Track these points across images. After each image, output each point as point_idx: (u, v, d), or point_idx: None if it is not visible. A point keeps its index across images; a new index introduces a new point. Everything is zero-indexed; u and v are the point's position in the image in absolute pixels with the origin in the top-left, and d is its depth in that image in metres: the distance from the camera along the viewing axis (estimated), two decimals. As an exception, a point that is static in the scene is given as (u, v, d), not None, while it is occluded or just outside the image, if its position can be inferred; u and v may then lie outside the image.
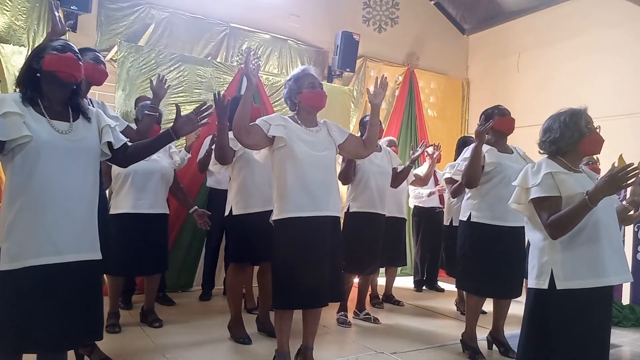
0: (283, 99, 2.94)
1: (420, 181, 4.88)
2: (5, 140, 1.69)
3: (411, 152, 4.28)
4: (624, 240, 4.40)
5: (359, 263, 3.75)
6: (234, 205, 3.27)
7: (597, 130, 2.15)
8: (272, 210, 2.74)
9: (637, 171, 1.84)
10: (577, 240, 2.02)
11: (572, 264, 2.02)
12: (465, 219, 3.26)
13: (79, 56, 1.86)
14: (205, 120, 2.09)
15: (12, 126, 1.69)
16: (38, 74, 1.78)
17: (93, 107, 2.67)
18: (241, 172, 3.25)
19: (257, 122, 2.65)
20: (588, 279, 2.00)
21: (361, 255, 3.73)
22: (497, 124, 3.20)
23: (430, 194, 5.17)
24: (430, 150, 5.49)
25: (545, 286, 2.06)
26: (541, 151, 2.24)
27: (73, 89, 1.87)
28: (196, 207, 3.61)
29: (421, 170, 5.34)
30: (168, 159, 3.61)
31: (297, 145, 2.61)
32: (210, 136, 4.48)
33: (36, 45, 4.34)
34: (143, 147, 2.09)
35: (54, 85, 1.81)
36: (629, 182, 1.84)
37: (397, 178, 4.07)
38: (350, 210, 3.79)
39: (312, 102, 2.73)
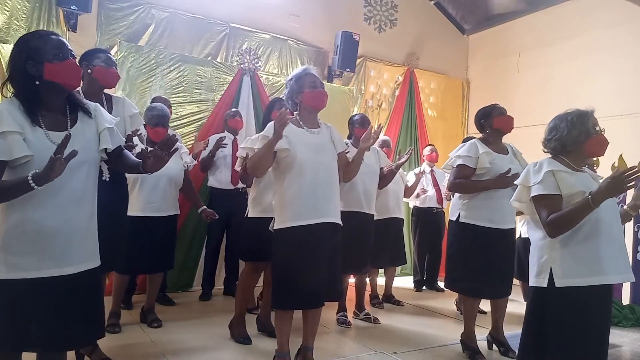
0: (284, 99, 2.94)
1: (407, 192, 4.93)
2: (7, 160, 1.64)
3: (398, 157, 4.26)
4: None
5: (350, 263, 3.72)
6: (250, 209, 3.34)
7: (602, 132, 2.15)
8: None
9: (639, 174, 1.85)
10: (576, 238, 2.03)
11: (571, 262, 2.03)
12: (454, 218, 3.27)
13: (73, 54, 1.80)
14: (174, 147, 1.89)
15: (13, 145, 1.63)
16: (37, 82, 1.70)
17: (112, 107, 2.65)
18: (259, 180, 3.29)
19: (258, 144, 2.67)
20: (586, 276, 2.01)
21: (351, 255, 3.69)
22: (497, 123, 3.20)
23: (417, 195, 5.18)
24: (427, 150, 5.52)
25: (545, 284, 2.07)
26: (545, 150, 2.25)
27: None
28: (204, 206, 3.73)
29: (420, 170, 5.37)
30: (177, 160, 3.62)
31: (301, 152, 2.61)
32: (213, 136, 4.50)
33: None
34: (130, 165, 2.02)
35: (54, 93, 1.75)
36: (630, 184, 1.86)
37: (382, 181, 4.05)
38: None
39: (313, 102, 2.73)
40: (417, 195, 5.23)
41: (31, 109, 1.70)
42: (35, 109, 1.71)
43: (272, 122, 2.74)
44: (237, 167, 3.43)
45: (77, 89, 2.50)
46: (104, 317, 1.99)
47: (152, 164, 1.88)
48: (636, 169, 1.86)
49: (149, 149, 1.95)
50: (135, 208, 3.37)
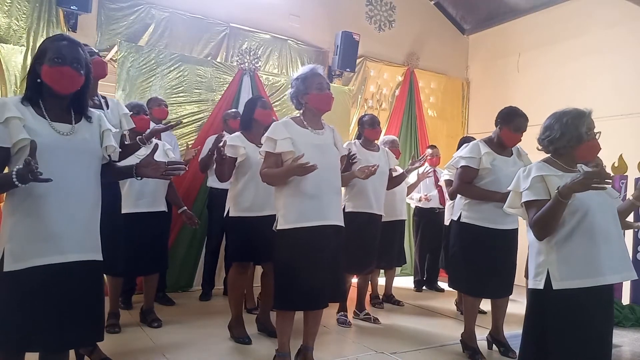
0: (284, 99, 2.95)
1: (408, 190, 4.94)
2: (8, 146, 1.71)
3: (410, 162, 4.27)
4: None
5: (355, 263, 3.73)
6: (231, 207, 3.30)
7: (597, 136, 2.14)
8: (268, 215, 2.74)
9: (609, 181, 1.85)
10: (572, 240, 2.02)
11: (567, 264, 2.03)
12: (456, 218, 3.28)
13: (80, 62, 1.82)
14: (172, 174, 2.08)
15: (13, 131, 1.71)
16: (39, 80, 1.80)
17: (107, 106, 2.71)
18: (241, 178, 3.26)
19: (264, 146, 2.65)
20: (584, 278, 2.00)
21: (358, 255, 3.71)
22: (504, 134, 3.17)
23: (419, 200, 5.25)
24: (428, 151, 5.52)
25: (541, 286, 2.07)
26: (539, 147, 2.25)
27: (76, 91, 1.85)
28: (185, 207, 3.70)
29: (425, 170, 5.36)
30: (164, 157, 3.62)
31: (305, 154, 2.56)
32: (212, 137, 4.49)
33: (37, 45, 4.37)
34: (119, 171, 2.11)
35: (52, 94, 1.82)
36: (598, 186, 1.84)
37: (390, 183, 4.06)
38: (346, 210, 3.76)
39: (319, 105, 2.72)
40: (420, 200, 5.26)
41: (32, 99, 1.79)
42: (36, 100, 1.79)
43: (277, 123, 2.72)
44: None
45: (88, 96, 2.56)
46: (104, 320, 1.99)
47: (146, 166, 2.01)
48: (609, 176, 1.85)
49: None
50: (126, 205, 3.31)
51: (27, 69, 1.90)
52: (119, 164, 2.14)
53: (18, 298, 1.71)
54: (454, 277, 3.36)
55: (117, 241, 2.73)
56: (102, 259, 1.92)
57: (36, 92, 1.80)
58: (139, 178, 2.06)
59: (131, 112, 3.41)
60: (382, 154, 3.96)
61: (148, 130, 3.08)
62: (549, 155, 2.21)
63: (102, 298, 1.96)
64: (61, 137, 1.77)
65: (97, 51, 2.80)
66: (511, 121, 3.16)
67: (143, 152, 3.38)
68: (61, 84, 1.79)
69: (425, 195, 5.24)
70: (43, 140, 1.70)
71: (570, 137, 2.10)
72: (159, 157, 3.51)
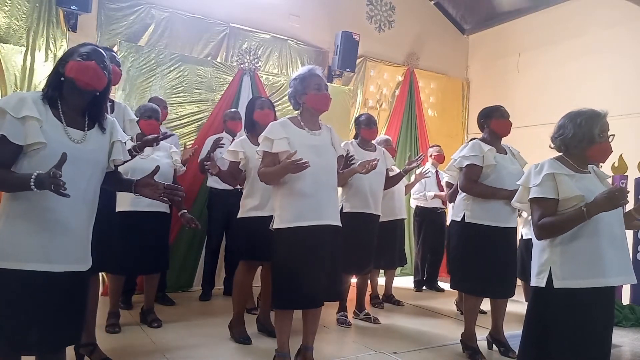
0: (284, 99, 2.95)
1: (406, 190, 4.95)
2: (22, 144, 1.70)
3: (407, 162, 4.27)
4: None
5: (354, 264, 3.73)
6: (240, 209, 3.33)
7: (611, 138, 2.13)
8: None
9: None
10: (577, 239, 2.02)
11: (571, 263, 2.03)
12: (459, 219, 3.26)
13: (105, 64, 1.85)
14: (169, 198, 2.02)
15: (29, 131, 1.70)
16: (62, 79, 1.80)
17: (114, 110, 2.71)
18: (247, 180, 3.30)
19: (261, 146, 2.66)
20: (587, 278, 2.00)
21: (356, 255, 3.70)
22: (494, 125, 3.21)
23: (434, 196, 5.23)
24: (434, 150, 5.52)
25: (543, 284, 2.07)
26: (552, 145, 2.24)
27: (95, 96, 1.86)
28: (185, 210, 3.66)
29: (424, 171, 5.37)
30: (167, 158, 3.61)
31: (302, 154, 2.55)
32: (211, 137, 4.50)
33: (37, 45, 4.38)
34: (119, 180, 2.11)
35: (73, 92, 1.82)
36: (623, 201, 1.90)
37: (387, 182, 4.05)
38: (344, 211, 3.74)
39: (317, 105, 2.73)
40: (433, 197, 5.26)
41: (52, 98, 1.79)
42: (55, 100, 1.79)
43: (274, 123, 2.73)
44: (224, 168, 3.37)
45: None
46: (82, 325, 1.98)
47: (146, 186, 1.99)
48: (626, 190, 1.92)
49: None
50: (125, 203, 3.33)
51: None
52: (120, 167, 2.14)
53: (4, 297, 1.70)
54: (457, 277, 3.33)
55: (115, 240, 2.73)
56: (88, 268, 1.89)
57: (57, 91, 1.80)
58: (137, 195, 2.04)
59: (142, 116, 3.44)
60: (378, 154, 3.95)
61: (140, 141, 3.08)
62: (560, 154, 2.20)
63: (84, 304, 1.94)
64: (73, 145, 1.76)
65: (117, 60, 2.80)
66: (494, 113, 3.24)
67: (153, 155, 3.43)
68: (86, 77, 1.78)
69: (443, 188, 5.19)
70: (54, 147, 1.70)
71: (582, 137, 2.10)
72: (162, 158, 3.55)
